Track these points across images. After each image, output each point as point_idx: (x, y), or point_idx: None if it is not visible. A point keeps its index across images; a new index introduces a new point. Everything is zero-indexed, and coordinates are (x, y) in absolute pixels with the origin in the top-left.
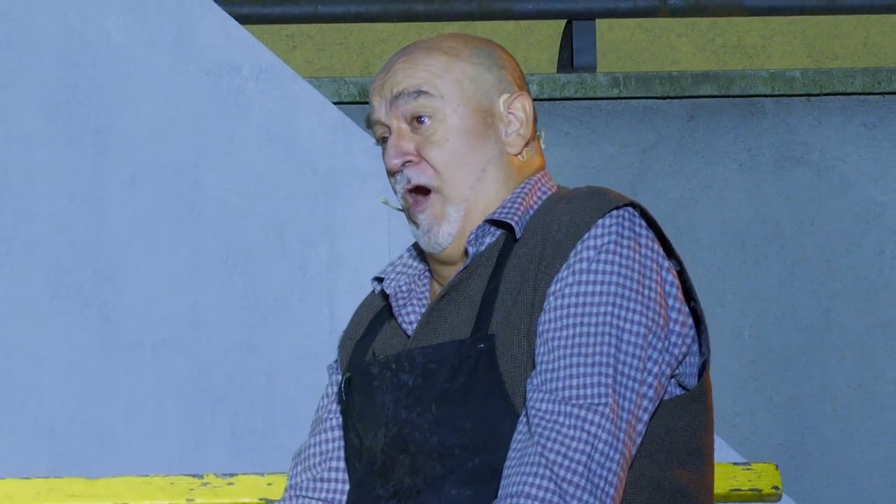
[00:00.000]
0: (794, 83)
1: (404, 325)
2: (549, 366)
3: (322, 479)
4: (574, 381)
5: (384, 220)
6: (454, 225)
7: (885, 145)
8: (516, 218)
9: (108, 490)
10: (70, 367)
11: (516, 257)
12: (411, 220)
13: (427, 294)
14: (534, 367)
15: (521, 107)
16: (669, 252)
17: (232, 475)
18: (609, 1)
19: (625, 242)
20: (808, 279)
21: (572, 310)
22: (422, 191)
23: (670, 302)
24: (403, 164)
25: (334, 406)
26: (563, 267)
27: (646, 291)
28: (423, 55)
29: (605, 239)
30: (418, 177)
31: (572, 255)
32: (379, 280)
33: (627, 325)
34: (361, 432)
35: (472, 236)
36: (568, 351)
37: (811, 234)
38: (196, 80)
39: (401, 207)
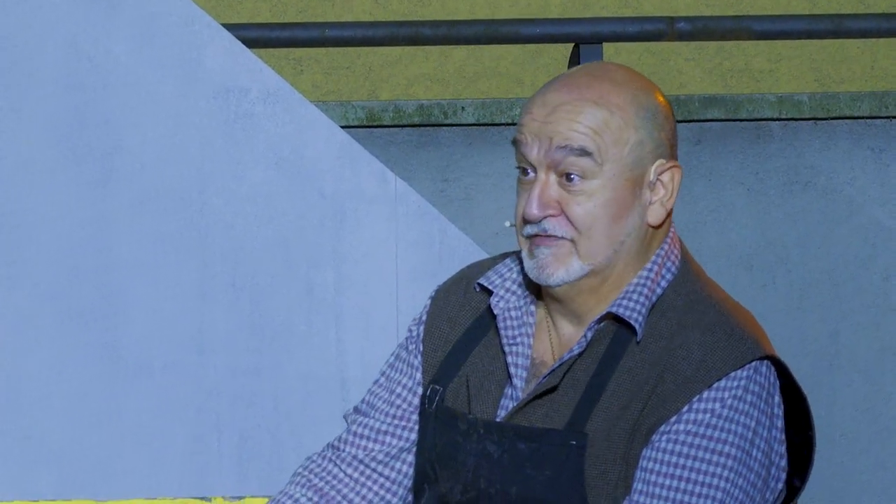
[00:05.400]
0: (802, 107)
1: (512, 369)
2: None
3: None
4: None
5: (392, 243)
6: (571, 275)
7: (892, 169)
8: (640, 318)
9: None
10: (76, 391)
11: (632, 360)
12: (529, 249)
13: (533, 325)
14: (626, 492)
15: (671, 177)
16: (798, 397)
17: (239, 498)
18: (616, 24)
19: (749, 399)
20: (816, 303)
21: (679, 460)
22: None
23: (773, 458)
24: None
25: (412, 392)
26: (684, 409)
27: (754, 452)
28: (593, 108)
29: (734, 392)
30: (556, 229)
31: (696, 400)
32: (485, 290)
33: (729, 487)
34: (438, 470)
35: (595, 325)
36: (665, 498)
37: (818, 257)
38: (203, 104)
39: (513, 223)
